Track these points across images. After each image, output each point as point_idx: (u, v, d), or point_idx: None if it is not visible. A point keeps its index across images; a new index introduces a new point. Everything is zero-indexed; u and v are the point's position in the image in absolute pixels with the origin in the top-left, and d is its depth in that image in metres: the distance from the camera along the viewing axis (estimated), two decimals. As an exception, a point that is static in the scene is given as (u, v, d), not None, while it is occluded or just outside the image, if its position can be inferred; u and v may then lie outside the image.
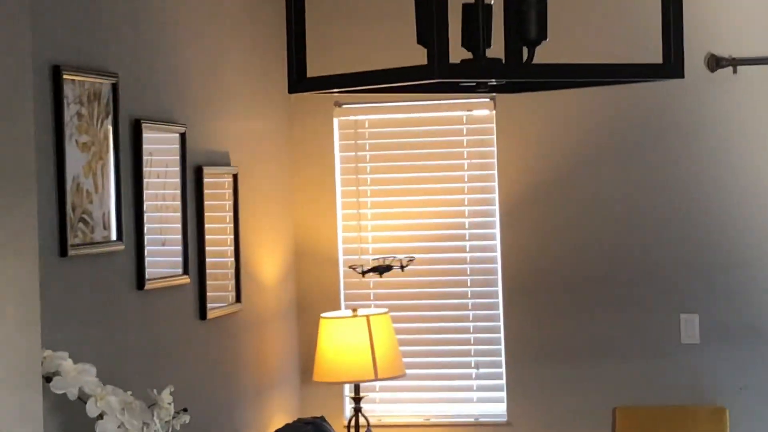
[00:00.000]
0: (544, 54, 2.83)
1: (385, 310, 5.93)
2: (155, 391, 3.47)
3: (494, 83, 2.94)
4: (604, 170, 6.07)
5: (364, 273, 5.93)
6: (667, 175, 6.00)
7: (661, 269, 6.02)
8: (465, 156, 6.27)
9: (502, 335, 6.18)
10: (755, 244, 5.97)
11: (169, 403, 3.47)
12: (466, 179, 6.27)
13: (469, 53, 2.73)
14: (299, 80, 2.72)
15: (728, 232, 5.98)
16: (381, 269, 5.90)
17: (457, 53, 2.65)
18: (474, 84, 2.90)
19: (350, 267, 6.03)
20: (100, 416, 3.25)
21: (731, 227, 5.98)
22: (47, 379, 3.18)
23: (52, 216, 3.70)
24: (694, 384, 6.01)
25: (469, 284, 6.31)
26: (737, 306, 5.98)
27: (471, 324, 6.29)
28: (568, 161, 6.08)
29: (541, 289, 6.11)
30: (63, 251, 3.71)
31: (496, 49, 2.80)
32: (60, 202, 3.72)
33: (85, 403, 3.24)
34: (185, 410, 3.56)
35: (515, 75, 2.86)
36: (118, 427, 3.26)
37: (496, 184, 6.17)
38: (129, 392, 3.38)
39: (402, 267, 5.89)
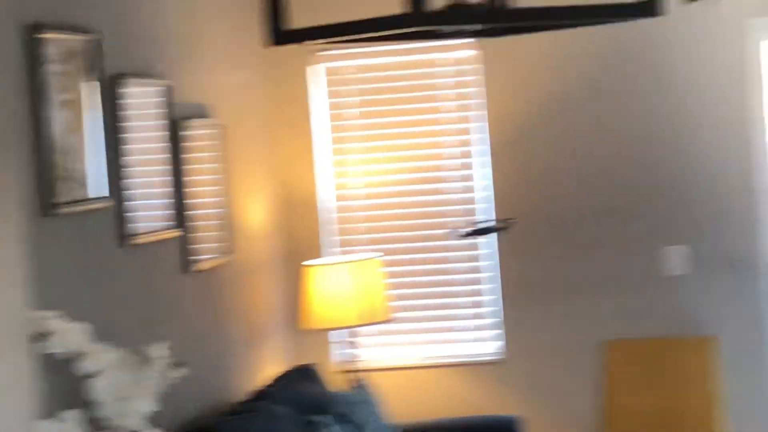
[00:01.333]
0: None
1: (373, 254, 5.94)
2: (149, 346, 3.48)
3: (471, 29, 2.95)
4: (590, 108, 6.10)
5: (466, 235, 5.94)
6: (652, 109, 6.04)
7: (648, 203, 6.06)
8: (452, 97, 6.27)
9: (497, 273, 6.24)
10: (739, 175, 6.00)
11: (163, 357, 3.48)
12: (452, 120, 6.28)
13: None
14: (276, 34, 2.73)
15: (712, 164, 6.00)
16: (483, 231, 5.91)
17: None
18: (454, 31, 2.91)
19: (450, 230, 6.03)
20: (94, 374, 3.27)
21: (715, 160, 6.01)
22: (39, 338, 3.19)
23: (35, 175, 3.70)
24: (683, 315, 6.06)
25: (461, 225, 6.29)
26: (723, 237, 6.03)
27: (463, 264, 6.32)
28: (556, 101, 6.11)
29: (532, 228, 6.12)
30: (47, 210, 3.71)
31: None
32: (42, 161, 3.72)
33: (78, 361, 3.26)
34: (181, 363, 3.58)
35: (491, 20, 2.86)
36: (113, 385, 3.28)
37: (486, 124, 6.17)
38: (122, 348, 3.40)
39: (504, 228, 5.89)
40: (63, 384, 3.49)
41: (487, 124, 6.17)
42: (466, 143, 6.28)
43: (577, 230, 6.13)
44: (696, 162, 6.02)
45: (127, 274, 4.39)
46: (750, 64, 5.98)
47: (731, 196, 6.03)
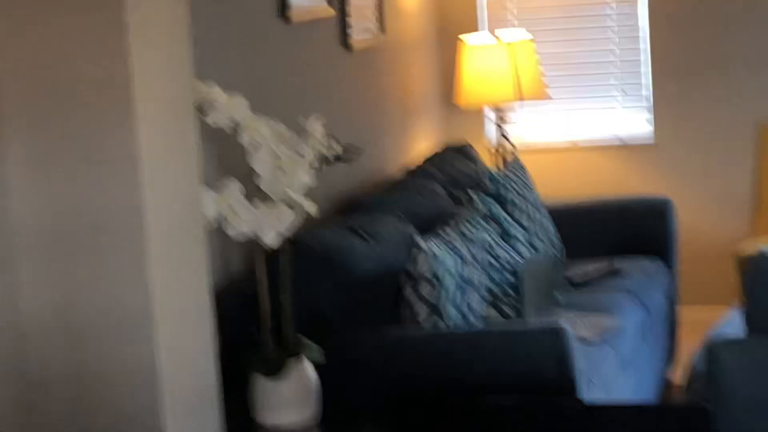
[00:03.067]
0: None
1: (529, 36, 5.90)
2: (306, 121, 3.53)
3: None
4: None
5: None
6: None
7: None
8: None
9: (647, 54, 6.12)
10: None
11: (320, 132, 3.53)
12: None
13: None
14: None
15: None
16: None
17: None
18: None
19: None
20: (253, 146, 3.34)
21: None
22: (201, 110, 3.25)
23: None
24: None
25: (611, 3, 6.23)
26: None
27: (616, 48, 6.24)
28: None
29: (684, 4, 5.99)
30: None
31: None
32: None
33: (239, 134, 3.33)
34: (336, 140, 3.63)
35: None
36: (272, 157, 3.35)
37: None
38: (281, 122, 3.46)
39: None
40: (227, 155, 3.62)
41: None
42: None
43: (732, 6, 5.97)
44: None
45: (285, 49, 4.46)
46: None
47: None
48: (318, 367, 3.38)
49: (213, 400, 2.96)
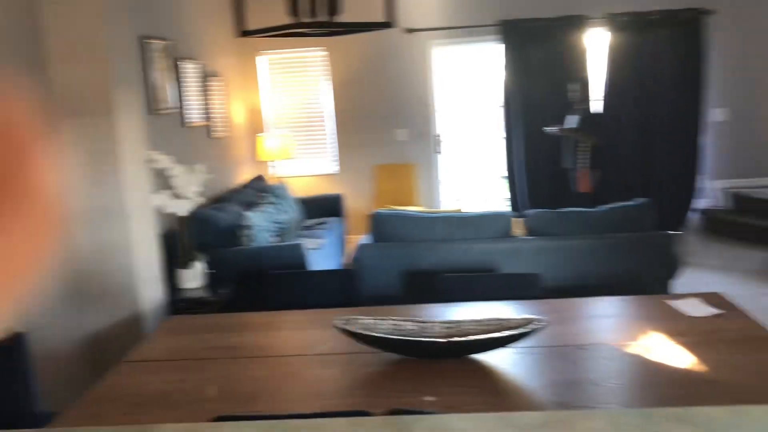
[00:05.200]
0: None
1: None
2: (195, 165, 6.29)
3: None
4: None
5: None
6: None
7: None
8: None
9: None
10: None
11: (203, 172, 6.26)
12: None
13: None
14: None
15: None
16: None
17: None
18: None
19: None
20: (174, 175, 6.22)
21: None
22: (150, 162, 5.55)
23: (147, 97, 6.67)
24: None
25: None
26: None
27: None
28: None
29: None
30: (151, 111, 6.81)
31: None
32: (149, 91, 6.80)
33: (167, 171, 6.04)
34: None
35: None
36: (180, 179, 6.50)
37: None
38: (185, 166, 6.18)
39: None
40: (160, 181, 6.16)
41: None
42: None
43: None
44: None
45: (185, 141, 7.98)
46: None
47: None
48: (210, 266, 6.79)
49: (158, 277, 5.36)
